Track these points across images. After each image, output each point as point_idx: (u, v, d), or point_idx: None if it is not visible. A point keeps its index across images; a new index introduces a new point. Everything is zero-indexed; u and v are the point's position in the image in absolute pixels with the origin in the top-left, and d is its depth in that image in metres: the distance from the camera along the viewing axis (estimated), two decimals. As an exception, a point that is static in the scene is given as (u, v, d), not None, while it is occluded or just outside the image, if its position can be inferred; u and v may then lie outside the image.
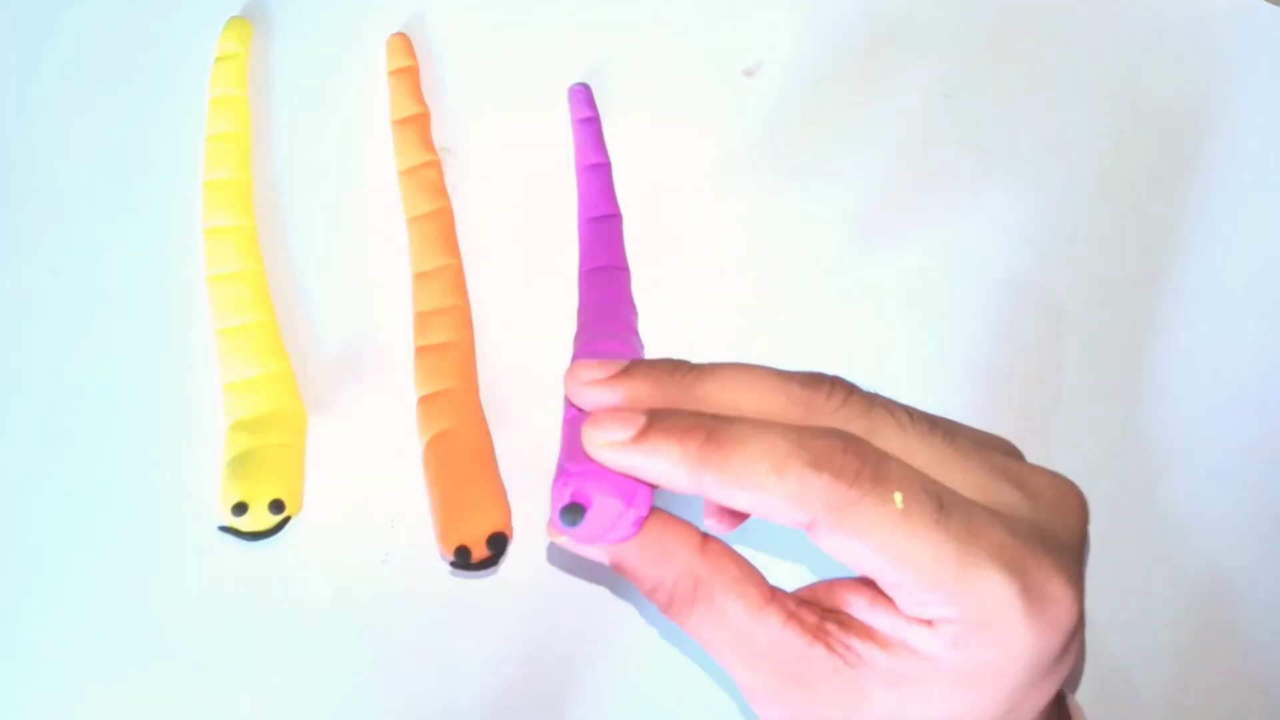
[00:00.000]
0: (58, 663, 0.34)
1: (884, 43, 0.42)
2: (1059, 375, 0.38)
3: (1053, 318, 0.39)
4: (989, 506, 0.23)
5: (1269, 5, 0.42)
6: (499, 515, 0.34)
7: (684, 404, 0.23)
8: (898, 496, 0.22)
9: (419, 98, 0.40)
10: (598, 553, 0.25)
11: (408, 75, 0.40)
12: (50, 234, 0.39)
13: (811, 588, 0.25)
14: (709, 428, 0.22)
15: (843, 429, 0.23)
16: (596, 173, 0.39)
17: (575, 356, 0.34)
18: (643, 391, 0.24)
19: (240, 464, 0.34)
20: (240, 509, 0.33)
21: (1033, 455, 0.25)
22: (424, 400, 0.36)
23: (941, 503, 0.22)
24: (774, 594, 0.24)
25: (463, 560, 0.33)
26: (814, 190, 0.40)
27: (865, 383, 0.24)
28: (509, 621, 0.35)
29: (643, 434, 0.23)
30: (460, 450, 0.35)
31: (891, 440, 0.23)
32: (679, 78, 0.41)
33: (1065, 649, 0.23)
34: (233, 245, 0.37)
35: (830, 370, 0.24)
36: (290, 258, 0.39)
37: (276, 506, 0.33)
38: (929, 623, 0.22)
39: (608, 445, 0.23)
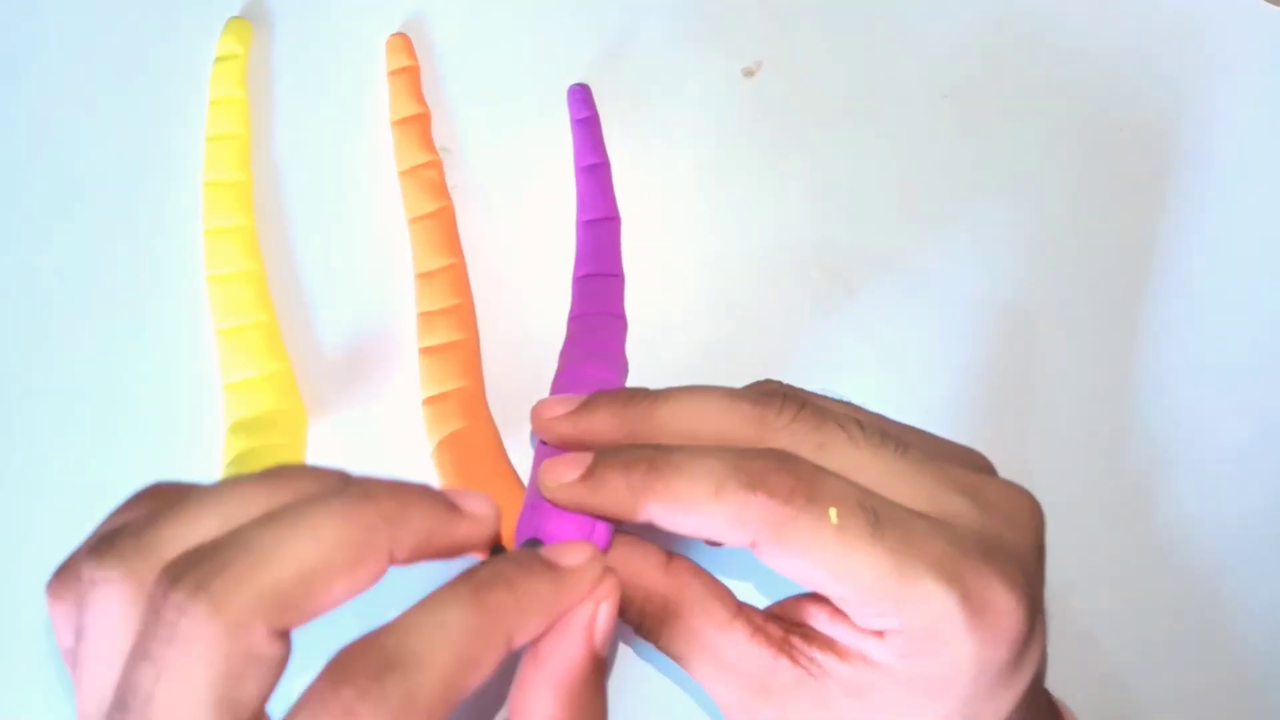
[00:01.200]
0: (58, 664, 0.34)
1: (884, 43, 0.42)
2: (1054, 378, 0.38)
3: (1050, 316, 0.39)
4: (937, 518, 0.23)
5: (1267, 5, 0.42)
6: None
7: (643, 431, 0.25)
8: (832, 512, 0.22)
9: (419, 98, 0.40)
10: None
11: (408, 75, 0.40)
12: (50, 234, 0.39)
13: (780, 604, 0.26)
14: (650, 459, 0.24)
15: (791, 446, 0.24)
16: (595, 173, 0.39)
17: (557, 376, 0.34)
18: (603, 423, 0.25)
19: (241, 465, 0.34)
20: (242, 510, 0.33)
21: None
22: (431, 401, 0.35)
23: (878, 517, 0.22)
24: (740, 609, 0.25)
25: None
26: (814, 190, 0.40)
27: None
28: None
29: (589, 472, 0.24)
30: (475, 450, 0.35)
31: (842, 454, 0.24)
32: (679, 78, 0.41)
33: (1017, 658, 0.23)
34: (233, 245, 0.37)
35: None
36: (291, 258, 0.39)
37: (278, 508, 0.33)
38: (880, 634, 0.23)
39: (559, 487, 0.25)
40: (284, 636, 0.20)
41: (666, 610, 0.25)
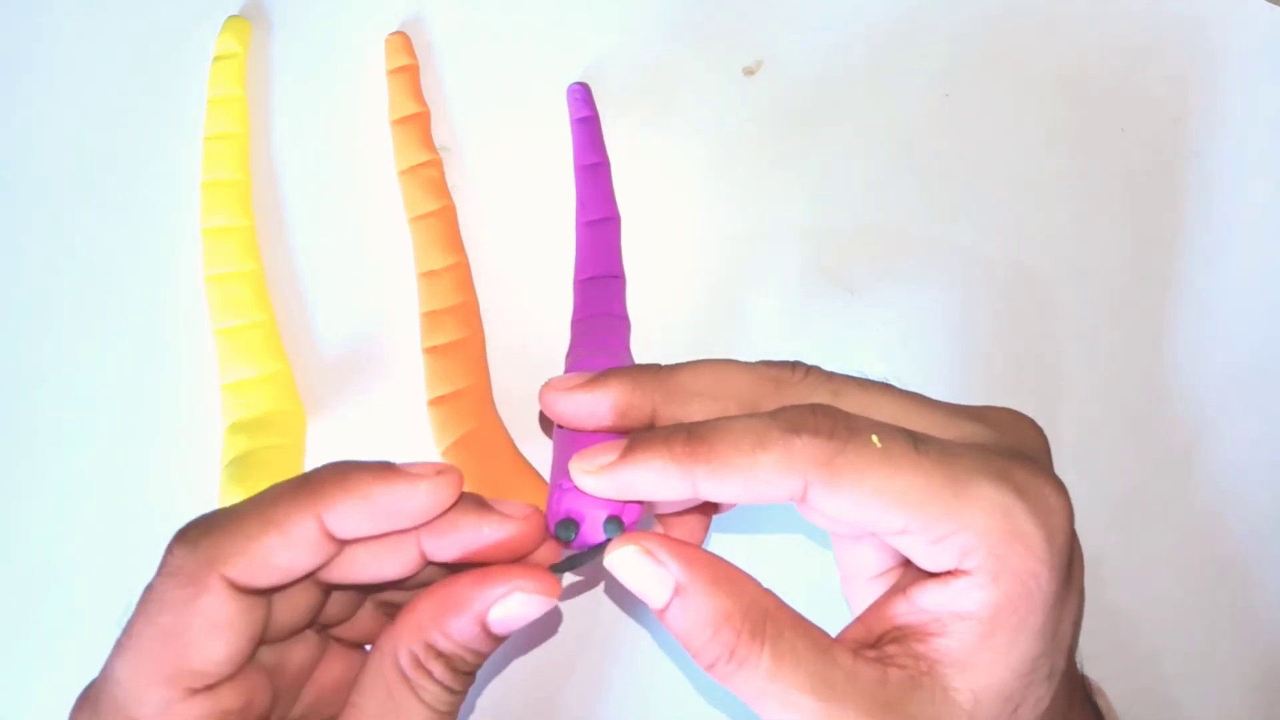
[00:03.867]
0: (58, 664, 0.34)
1: (884, 42, 0.42)
2: (1062, 369, 0.38)
3: (1053, 314, 0.39)
4: (957, 439, 0.23)
5: (1268, 5, 0.42)
6: None
7: (659, 397, 0.24)
8: (875, 438, 0.22)
9: (419, 97, 0.40)
10: (661, 580, 0.23)
11: (407, 74, 0.40)
12: (49, 234, 0.39)
13: (850, 628, 0.24)
14: (688, 428, 0.23)
15: (807, 398, 0.24)
16: (594, 173, 0.39)
17: (567, 372, 0.34)
18: (619, 391, 0.24)
19: (240, 466, 0.34)
20: (241, 511, 0.33)
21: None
22: (438, 402, 0.35)
23: (915, 437, 0.22)
24: (831, 637, 0.23)
25: None
26: (814, 189, 0.40)
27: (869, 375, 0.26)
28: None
29: (627, 451, 0.23)
30: (491, 450, 0.35)
31: (856, 398, 0.24)
32: (679, 78, 0.41)
33: (1071, 550, 0.23)
34: (232, 245, 0.37)
35: (828, 366, 0.25)
36: (289, 258, 0.39)
37: (277, 508, 0.33)
38: (959, 571, 0.22)
39: (596, 470, 0.23)
40: (247, 594, 0.22)
41: (766, 628, 0.23)
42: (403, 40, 0.40)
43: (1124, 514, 0.36)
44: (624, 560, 0.23)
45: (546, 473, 0.35)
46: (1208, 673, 0.35)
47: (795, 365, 0.25)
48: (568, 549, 0.25)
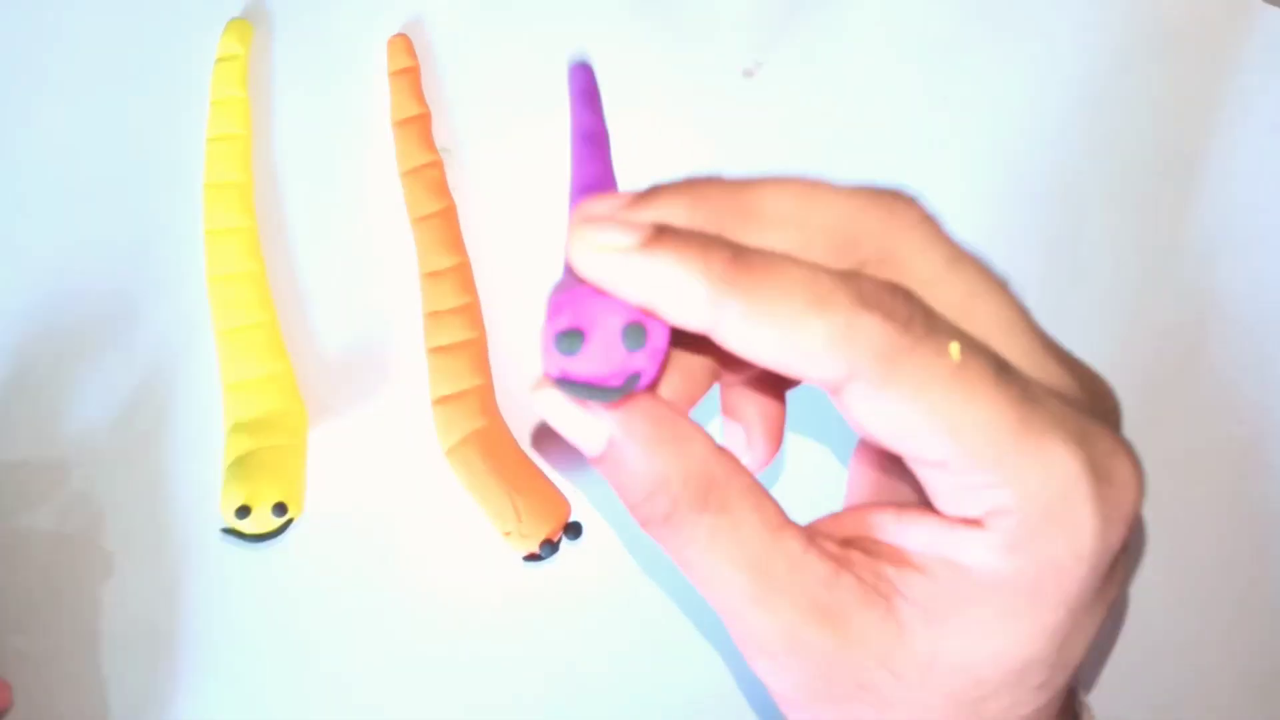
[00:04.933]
0: (58, 664, 0.35)
1: (883, 44, 0.42)
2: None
3: (1052, 313, 0.39)
4: (1044, 381, 0.19)
5: (1268, 6, 0.42)
6: (565, 503, 0.34)
7: (729, 220, 0.19)
8: (954, 347, 0.18)
9: (420, 98, 0.40)
10: (595, 429, 0.19)
11: (408, 76, 0.40)
12: (52, 235, 0.39)
13: (824, 520, 0.21)
14: (736, 247, 0.18)
15: (919, 251, 0.19)
16: (593, 143, 0.37)
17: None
18: (677, 213, 0.19)
19: (243, 466, 0.34)
20: (243, 512, 0.33)
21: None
22: (442, 401, 0.35)
23: (1000, 363, 0.18)
24: (788, 518, 0.20)
25: (548, 553, 0.33)
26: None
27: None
28: (510, 621, 0.36)
29: (652, 239, 0.18)
30: (498, 449, 0.35)
31: (970, 276, 0.20)
32: (679, 78, 0.41)
33: (1121, 548, 0.19)
34: (234, 246, 0.38)
35: None
36: (291, 259, 0.39)
37: (279, 509, 0.33)
38: (978, 522, 0.19)
39: (606, 249, 0.18)
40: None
41: (710, 498, 0.19)
42: (404, 42, 0.41)
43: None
44: (549, 402, 0.19)
45: (552, 473, 0.35)
46: (1208, 672, 0.35)
47: (908, 201, 0.20)
48: (569, 381, 0.19)
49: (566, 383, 0.19)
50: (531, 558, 0.33)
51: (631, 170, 0.39)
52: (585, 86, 0.38)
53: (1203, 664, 0.35)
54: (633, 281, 0.18)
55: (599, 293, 0.18)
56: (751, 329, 0.18)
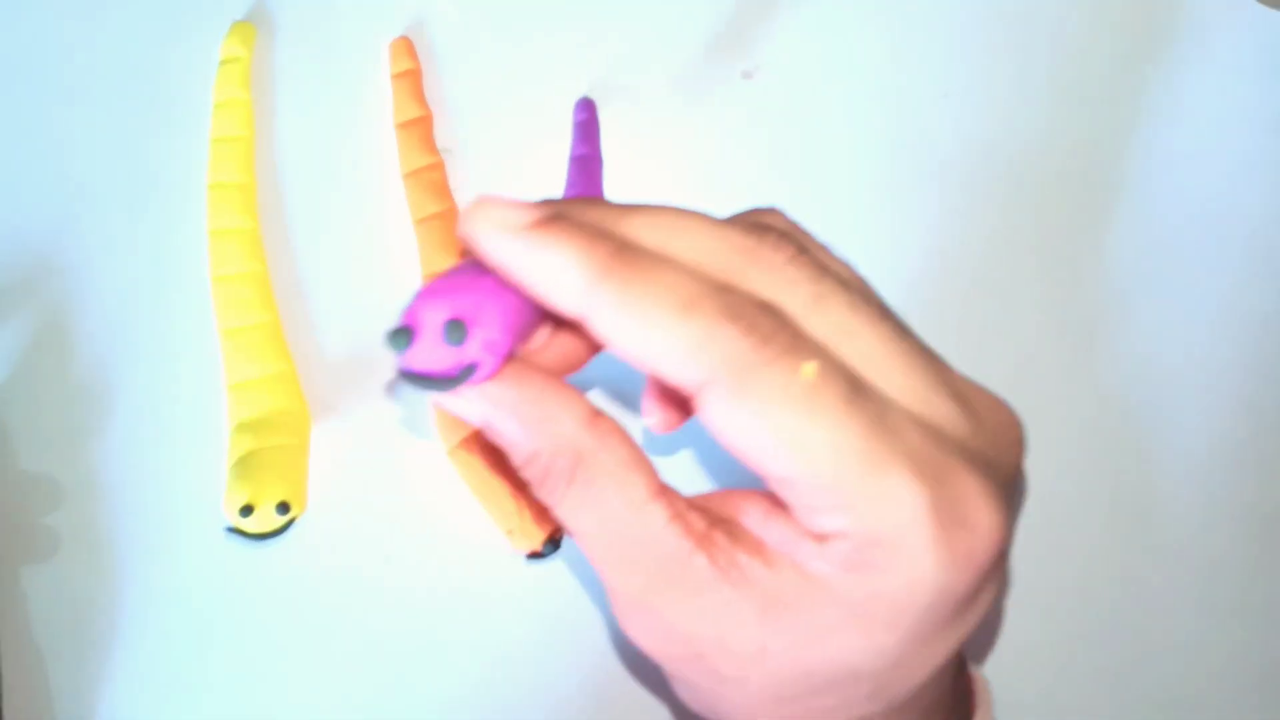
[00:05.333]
0: (60, 664, 0.35)
1: (883, 43, 0.42)
2: (1069, 380, 0.38)
3: (1053, 314, 0.39)
4: (918, 415, 0.20)
5: (1264, 8, 0.42)
6: None
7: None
8: (809, 367, 0.18)
9: (422, 101, 0.40)
10: (467, 406, 0.21)
11: (410, 78, 0.40)
12: (56, 236, 0.39)
13: (708, 495, 0.22)
14: (621, 243, 0.19)
15: (781, 289, 0.20)
16: (583, 167, 0.38)
17: None
18: (562, 234, 0.20)
19: (246, 466, 0.34)
20: (247, 511, 0.33)
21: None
22: None
23: (856, 387, 0.19)
24: (663, 489, 0.21)
25: (551, 550, 0.33)
26: (813, 192, 0.40)
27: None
28: (511, 621, 0.36)
29: (542, 223, 0.19)
30: (499, 449, 0.35)
31: (838, 315, 0.20)
32: (679, 78, 0.41)
33: (977, 590, 0.19)
34: (237, 247, 0.38)
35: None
36: (294, 259, 0.39)
37: (283, 508, 0.33)
38: (822, 537, 0.19)
39: (495, 226, 0.19)
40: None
41: (577, 470, 0.20)
42: (406, 45, 0.41)
43: (1119, 510, 0.36)
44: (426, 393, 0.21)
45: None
46: (1207, 672, 0.35)
47: (783, 240, 0.20)
48: (408, 373, 0.20)
49: (406, 374, 0.20)
50: (535, 555, 0.33)
51: (633, 171, 0.39)
52: (585, 119, 0.39)
53: (1203, 664, 0.35)
54: (517, 259, 0.19)
55: (465, 283, 0.20)
56: (618, 325, 0.19)
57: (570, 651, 0.35)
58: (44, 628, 0.35)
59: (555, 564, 0.35)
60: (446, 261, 0.37)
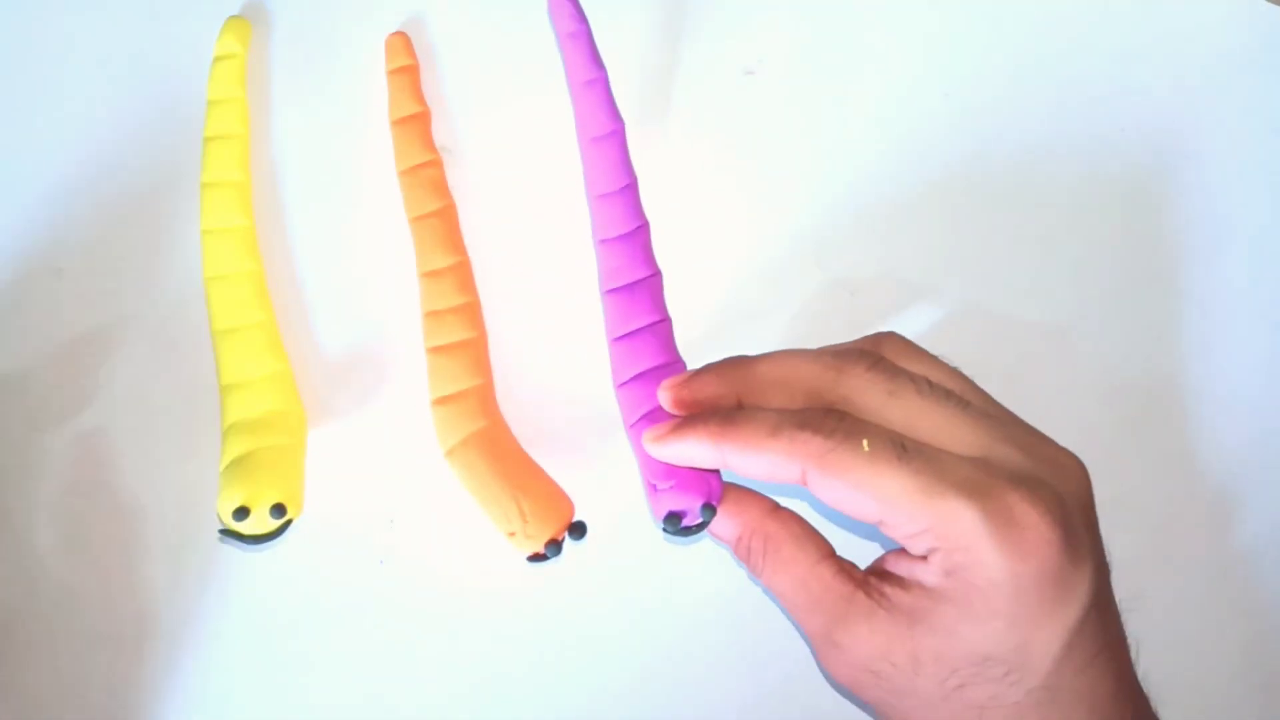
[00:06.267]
0: (59, 664, 0.34)
1: (883, 42, 0.42)
2: (1060, 366, 0.38)
3: (1053, 313, 0.39)
4: (976, 458, 0.27)
5: (1269, 5, 0.42)
6: (568, 503, 0.34)
7: (743, 385, 0.30)
8: (865, 442, 0.27)
9: (419, 97, 0.40)
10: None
11: (407, 74, 0.40)
12: (49, 234, 0.39)
13: (871, 564, 0.30)
14: (724, 413, 0.29)
15: (862, 391, 0.28)
16: (592, 89, 0.37)
17: (612, 341, 0.35)
18: (710, 385, 0.30)
19: (241, 467, 0.34)
20: (242, 513, 0.32)
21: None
22: (442, 402, 0.35)
23: (905, 448, 0.27)
24: (831, 553, 0.30)
25: (553, 553, 0.33)
26: (814, 189, 0.40)
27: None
28: (515, 621, 0.35)
29: (676, 428, 0.29)
30: (498, 450, 0.34)
31: (908, 402, 0.28)
32: (679, 78, 0.41)
33: (1056, 584, 0.26)
34: (232, 246, 0.37)
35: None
36: (290, 258, 0.39)
37: (278, 510, 0.33)
38: (924, 557, 0.27)
39: (653, 440, 0.30)
40: None
41: (768, 546, 0.30)
42: (403, 40, 0.40)
43: (1121, 513, 0.36)
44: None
45: (552, 473, 0.35)
46: (1207, 671, 0.35)
47: (862, 356, 0.29)
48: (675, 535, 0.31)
49: (680, 530, 0.31)
50: (536, 558, 0.33)
51: (633, 169, 0.39)
52: (573, 29, 0.38)
53: (1203, 664, 0.35)
54: (674, 458, 0.30)
55: (676, 476, 0.31)
56: (741, 458, 0.28)
57: (572, 654, 0.35)
58: (43, 627, 0.35)
59: (556, 566, 0.35)
60: (444, 260, 0.37)
